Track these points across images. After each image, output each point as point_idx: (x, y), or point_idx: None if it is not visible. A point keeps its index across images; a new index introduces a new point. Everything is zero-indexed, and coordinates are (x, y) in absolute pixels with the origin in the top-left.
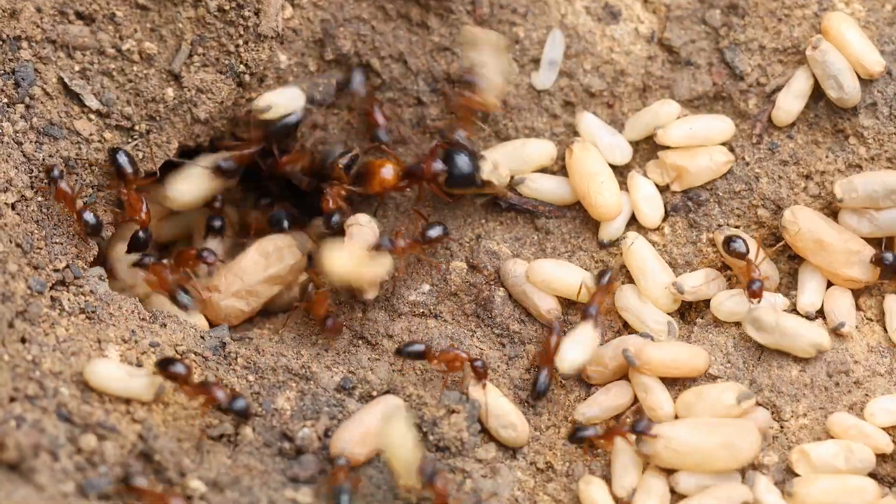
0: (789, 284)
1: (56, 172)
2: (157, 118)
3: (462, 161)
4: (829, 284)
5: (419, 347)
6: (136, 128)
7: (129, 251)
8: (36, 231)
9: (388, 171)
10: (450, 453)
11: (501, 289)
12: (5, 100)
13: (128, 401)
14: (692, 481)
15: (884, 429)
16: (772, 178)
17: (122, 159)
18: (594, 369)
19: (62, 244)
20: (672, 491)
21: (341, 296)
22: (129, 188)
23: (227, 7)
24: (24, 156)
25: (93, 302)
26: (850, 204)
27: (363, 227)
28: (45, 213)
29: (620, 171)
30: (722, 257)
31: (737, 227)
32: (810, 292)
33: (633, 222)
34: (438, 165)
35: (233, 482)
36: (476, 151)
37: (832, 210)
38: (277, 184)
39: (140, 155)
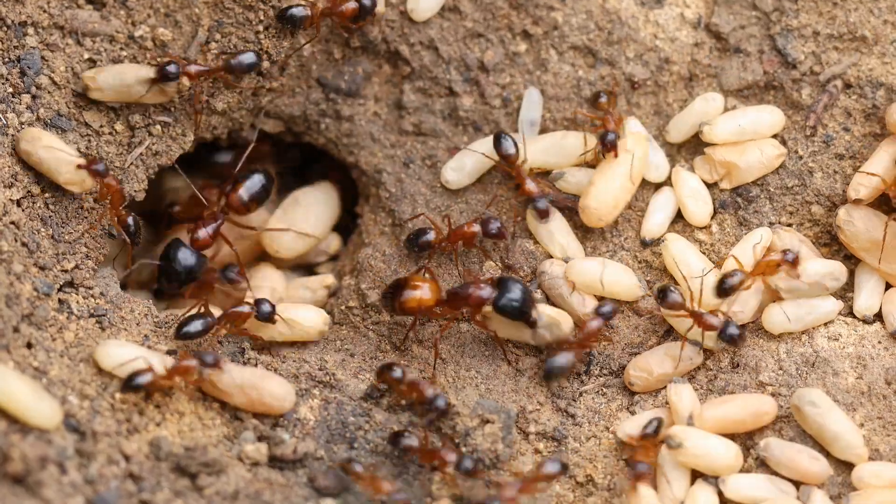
0: (845, 287)
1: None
2: (172, 109)
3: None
4: (888, 286)
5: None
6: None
7: None
8: (42, 229)
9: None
10: (483, 466)
11: (538, 290)
12: (10, 89)
13: (141, 411)
14: (742, 489)
15: None
16: (826, 172)
17: None
18: (637, 375)
19: (70, 243)
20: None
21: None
22: None
23: None
24: None
25: (103, 305)
26: None
27: None
28: (52, 211)
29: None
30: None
31: (789, 224)
32: (867, 295)
33: (679, 220)
34: (485, 293)
35: (253, 496)
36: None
37: (891, 207)
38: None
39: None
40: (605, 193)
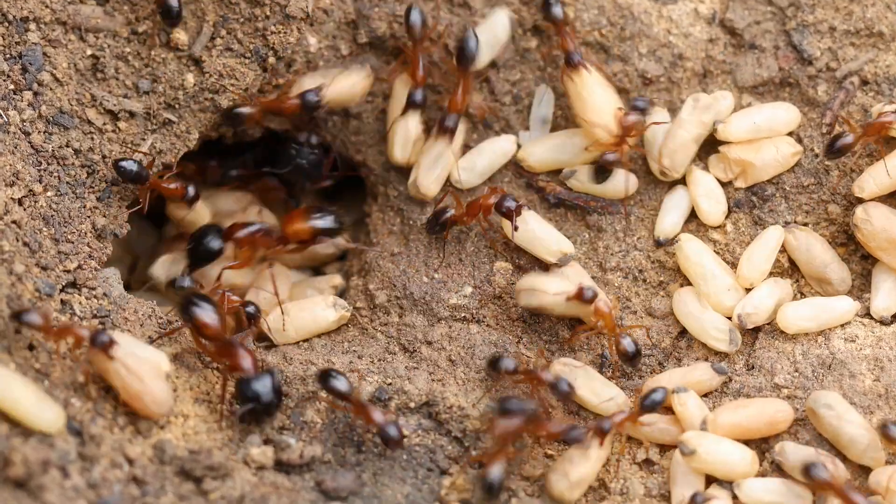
0: (862, 287)
1: None
2: (176, 106)
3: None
4: None
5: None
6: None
7: None
8: (44, 229)
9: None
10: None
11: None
12: (11, 86)
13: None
14: (758, 494)
15: None
16: (843, 170)
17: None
18: None
19: (73, 243)
20: None
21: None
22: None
23: None
24: (32, 147)
25: (106, 306)
26: None
27: None
28: (54, 210)
29: None
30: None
31: (805, 223)
32: (885, 295)
33: (693, 219)
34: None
35: (259, 500)
36: None
37: None
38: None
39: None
40: (599, 103)
